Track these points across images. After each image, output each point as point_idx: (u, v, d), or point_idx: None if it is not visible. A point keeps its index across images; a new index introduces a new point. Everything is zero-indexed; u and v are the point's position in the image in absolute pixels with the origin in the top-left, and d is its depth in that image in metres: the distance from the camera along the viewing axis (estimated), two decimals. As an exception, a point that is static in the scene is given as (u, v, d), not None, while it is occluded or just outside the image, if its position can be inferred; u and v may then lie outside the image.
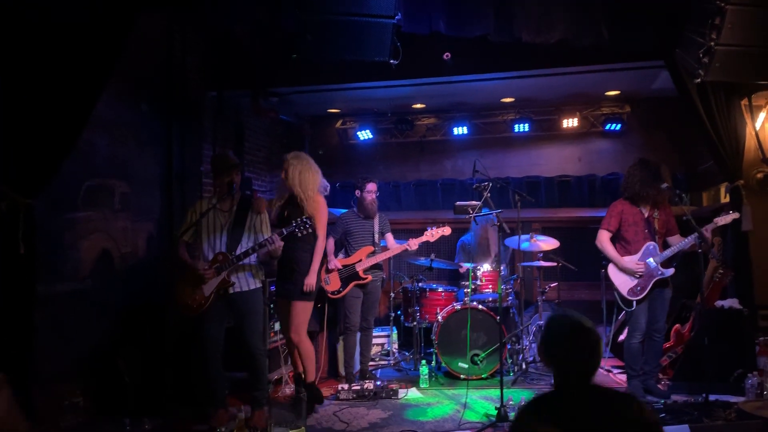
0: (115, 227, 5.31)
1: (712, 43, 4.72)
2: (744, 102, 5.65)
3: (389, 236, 6.06)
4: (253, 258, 4.65)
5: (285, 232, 4.57)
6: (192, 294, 4.52)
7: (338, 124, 8.78)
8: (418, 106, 8.21)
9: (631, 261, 5.17)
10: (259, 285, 4.74)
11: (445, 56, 5.90)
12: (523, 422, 2.15)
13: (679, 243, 5.10)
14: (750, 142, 5.70)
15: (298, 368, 5.16)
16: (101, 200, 5.18)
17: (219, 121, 6.70)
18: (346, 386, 5.48)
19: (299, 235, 4.59)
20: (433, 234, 5.90)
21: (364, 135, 8.58)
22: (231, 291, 4.58)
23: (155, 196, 5.76)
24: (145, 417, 4.67)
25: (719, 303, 5.51)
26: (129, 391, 4.76)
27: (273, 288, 5.61)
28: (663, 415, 4.56)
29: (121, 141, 5.35)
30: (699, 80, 5.02)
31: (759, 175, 5.74)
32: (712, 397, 4.65)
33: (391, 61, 4.76)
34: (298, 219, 4.58)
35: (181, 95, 5.95)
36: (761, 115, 5.70)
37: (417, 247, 5.90)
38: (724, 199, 6.21)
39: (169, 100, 5.87)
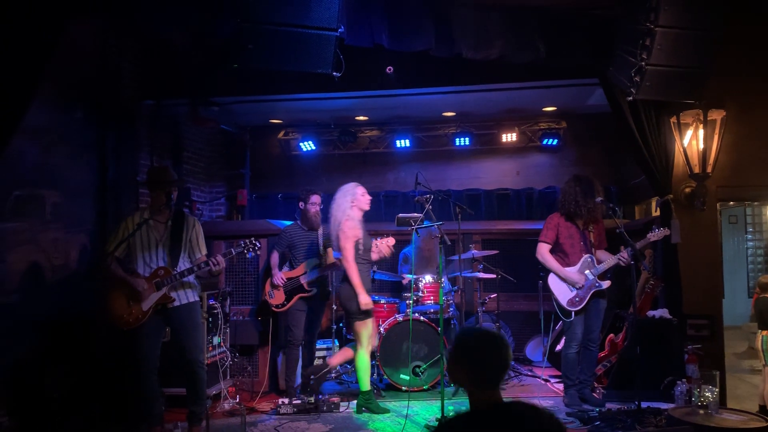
0: (46, 239, 5.10)
1: (643, 63, 4.92)
2: (673, 120, 5.88)
3: (329, 251, 5.97)
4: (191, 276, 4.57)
5: (234, 252, 4.72)
6: (128, 308, 4.39)
7: (280, 135, 8.71)
8: (361, 118, 8.23)
9: (572, 271, 5.31)
10: (197, 298, 4.65)
11: (387, 70, 5.94)
12: None
13: (614, 257, 5.25)
14: (678, 158, 5.93)
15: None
16: (31, 210, 4.97)
17: (156, 129, 6.54)
18: (287, 400, 5.41)
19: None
20: (377, 245, 5.88)
21: (307, 146, 8.52)
22: (170, 306, 4.47)
23: (89, 207, 5.58)
24: (76, 436, 4.49)
25: (651, 313, 5.70)
26: (58, 409, 4.56)
27: (212, 301, 5.60)
28: (598, 422, 4.69)
29: (53, 149, 5.17)
30: (631, 98, 5.23)
31: (687, 190, 5.97)
32: (644, 404, 4.79)
33: (334, 73, 4.74)
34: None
35: (116, 103, 5.81)
36: (688, 133, 5.94)
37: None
38: (655, 212, 6.43)
39: (104, 107, 5.71)
